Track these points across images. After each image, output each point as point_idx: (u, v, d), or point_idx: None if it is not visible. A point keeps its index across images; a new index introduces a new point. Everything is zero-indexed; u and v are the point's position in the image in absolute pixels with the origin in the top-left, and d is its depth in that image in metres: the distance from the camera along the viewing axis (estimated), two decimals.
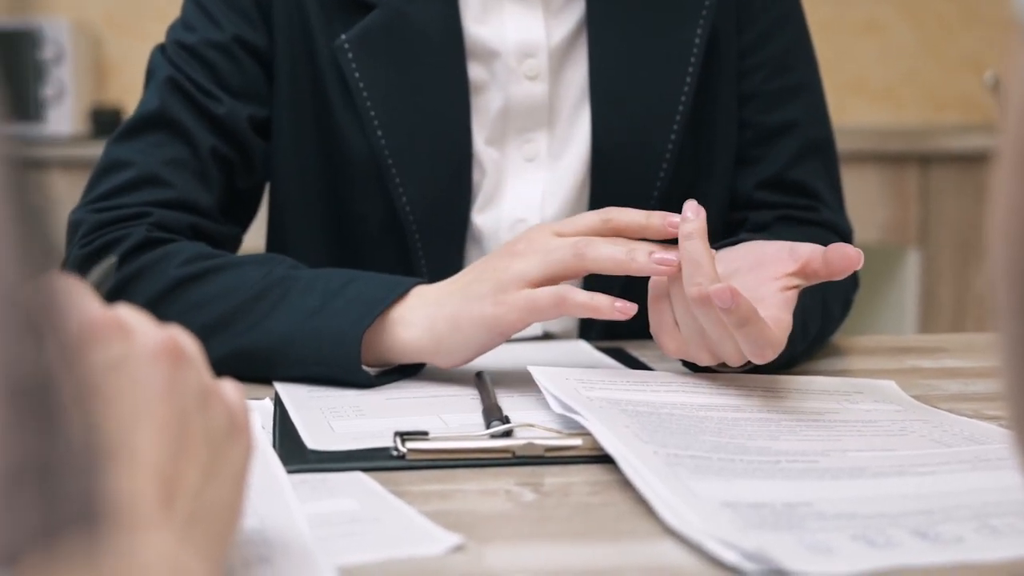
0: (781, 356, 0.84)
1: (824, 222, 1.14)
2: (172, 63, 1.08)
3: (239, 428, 0.51)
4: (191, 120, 1.06)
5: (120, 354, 0.47)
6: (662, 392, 0.84)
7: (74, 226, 1.04)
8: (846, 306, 1.12)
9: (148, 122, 1.06)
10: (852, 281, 1.13)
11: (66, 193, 2.65)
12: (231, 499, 0.50)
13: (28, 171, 0.26)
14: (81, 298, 0.48)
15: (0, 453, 0.23)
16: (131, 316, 0.49)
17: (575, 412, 0.76)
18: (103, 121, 2.78)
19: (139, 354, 0.47)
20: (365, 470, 0.70)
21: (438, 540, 0.59)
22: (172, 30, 1.11)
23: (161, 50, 1.11)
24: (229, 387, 0.53)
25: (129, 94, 2.97)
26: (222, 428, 0.50)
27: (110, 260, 0.57)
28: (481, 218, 1.10)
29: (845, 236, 1.15)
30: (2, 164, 0.25)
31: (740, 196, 1.16)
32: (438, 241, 1.08)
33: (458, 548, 0.58)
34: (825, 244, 1.08)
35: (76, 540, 0.24)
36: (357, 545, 0.58)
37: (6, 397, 0.23)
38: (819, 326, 1.02)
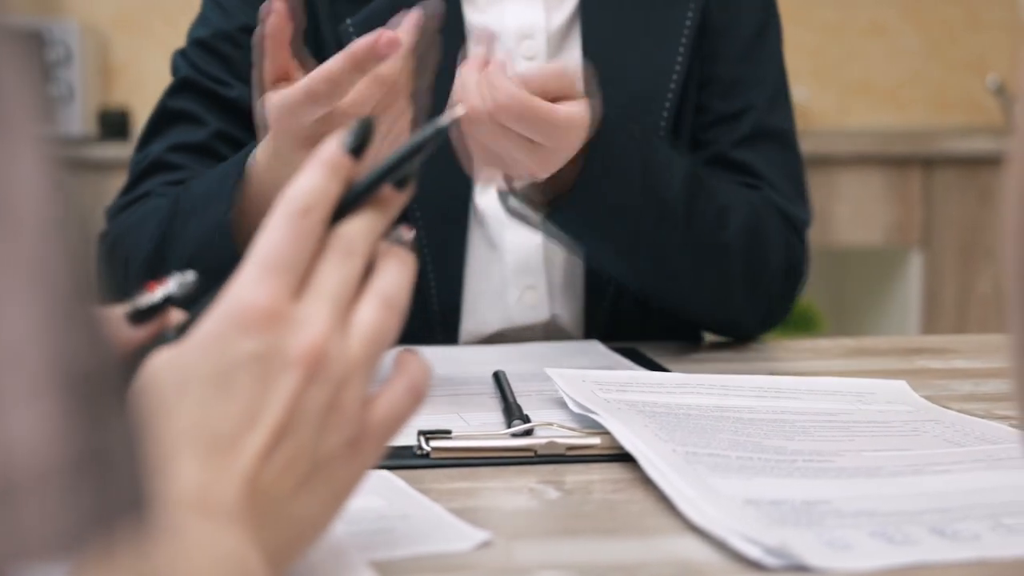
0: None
1: (766, 199, 1.13)
2: (187, 60, 1.14)
3: (357, 452, 0.50)
4: (199, 108, 1.12)
5: (259, 349, 0.47)
6: (677, 394, 0.86)
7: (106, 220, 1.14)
8: (780, 245, 1.11)
9: (158, 120, 1.14)
10: (799, 241, 1.13)
11: None
12: (319, 516, 0.50)
13: (70, 168, 0.28)
14: (250, 276, 0.48)
15: (60, 443, 0.24)
16: (298, 308, 0.48)
17: (594, 413, 0.78)
18: (110, 123, 2.79)
19: (278, 356, 0.47)
20: (390, 468, 0.71)
21: (466, 536, 0.60)
22: (191, 28, 1.16)
23: (181, 52, 1.16)
24: (382, 409, 0.50)
25: (137, 96, 2.98)
26: (335, 449, 0.49)
27: (188, 276, 0.55)
28: (484, 200, 1.12)
29: (794, 222, 1.14)
30: (48, 162, 0.26)
31: None
32: (439, 224, 1.09)
33: (486, 544, 0.59)
34: (763, 214, 1.10)
35: (127, 529, 0.26)
36: (387, 541, 0.59)
37: (65, 387, 0.25)
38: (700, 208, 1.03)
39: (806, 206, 1.17)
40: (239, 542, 0.44)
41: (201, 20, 1.16)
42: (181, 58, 1.15)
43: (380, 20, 1.05)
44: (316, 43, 1.11)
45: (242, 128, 1.11)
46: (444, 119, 0.54)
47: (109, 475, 0.25)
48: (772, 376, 0.92)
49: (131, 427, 0.26)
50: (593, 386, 0.85)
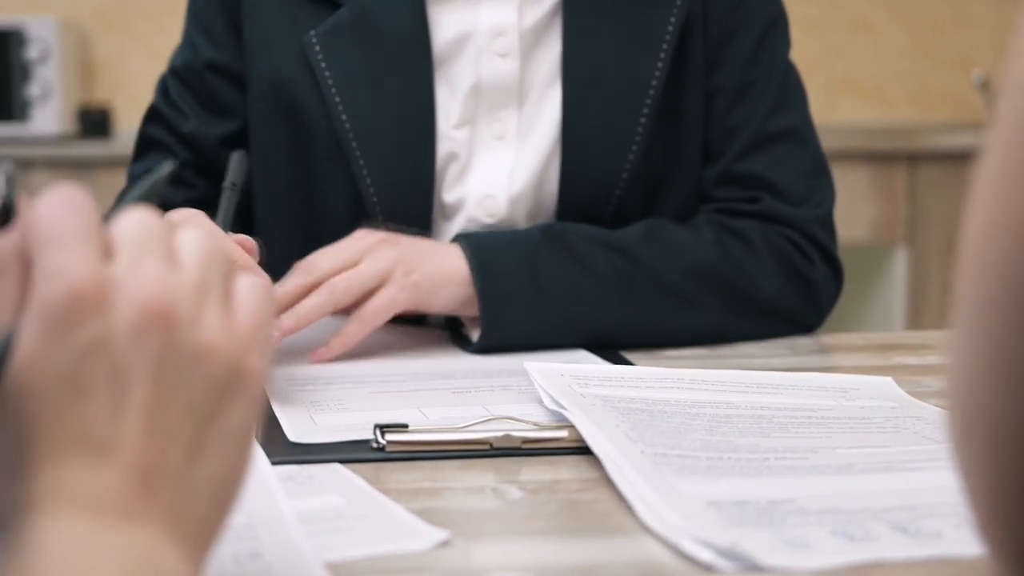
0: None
1: (760, 213, 1.14)
2: (162, 86, 1.22)
3: (237, 384, 0.45)
4: (167, 137, 1.20)
5: (97, 335, 0.42)
6: (657, 389, 0.84)
7: None
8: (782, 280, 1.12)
9: (139, 144, 1.23)
10: (809, 245, 1.14)
11: None
12: (224, 473, 0.45)
13: None
14: (50, 262, 0.42)
15: None
16: (115, 268, 0.43)
17: (565, 409, 0.77)
18: (90, 120, 2.77)
19: (119, 331, 0.42)
20: (344, 462, 0.71)
21: (425, 536, 0.59)
22: (173, 53, 1.23)
23: (162, 76, 1.23)
24: (243, 318, 0.45)
25: (118, 94, 2.96)
26: (212, 390, 0.44)
27: (164, 168, 0.52)
28: (449, 195, 1.13)
29: (799, 226, 1.14)
30: None
31: (702, 190, 1.18)
32: (402, 219, 1.10)
33: (444, 544, 0.58)
34: (738, 244, 1.12)
35: None
36: (345, 541, 0.58)
37: None
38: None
39: (820, 198, 1.17)
40: (143, 536, 0.42)
41: (179, 48, 1.22)
42: (160, 83, 1.23)
43: (343, 30, 1.12)
44: (277, 57, 1.14)
45: (203, 157, 1.19)
46: (163, 168, 0.52)
47: None
48: (755, 371, 0.91)
49: None
50: (571, 380, 0.84)
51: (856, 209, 2.68)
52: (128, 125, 2.93)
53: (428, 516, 0.61)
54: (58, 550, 0.40)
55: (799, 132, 1.17)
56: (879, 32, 3.19)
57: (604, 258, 1.06)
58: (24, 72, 2.69)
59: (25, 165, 2.62)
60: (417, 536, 0.59)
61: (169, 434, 0.43)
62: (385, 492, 0.65)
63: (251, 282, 0.47)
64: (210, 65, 1.18)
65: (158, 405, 0.43)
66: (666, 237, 1.10)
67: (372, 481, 0.67)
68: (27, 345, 0.42)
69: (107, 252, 0.44)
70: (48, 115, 2.70)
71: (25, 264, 0.44)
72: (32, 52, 2.69)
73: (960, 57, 3.20)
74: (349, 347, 0.99)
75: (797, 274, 1.13)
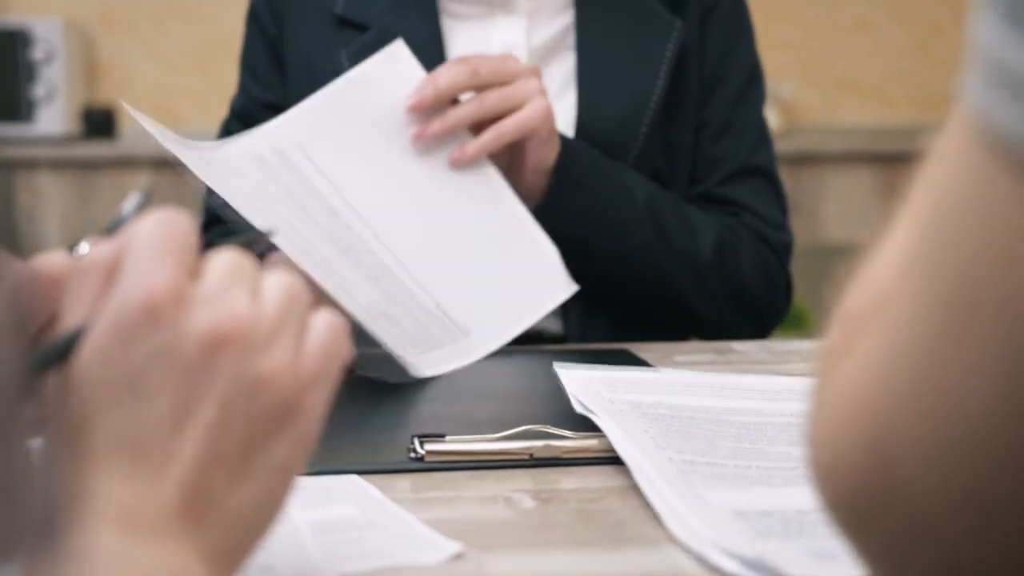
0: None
1: (746, 224, 1.25)
2: (224, 128, 1.33)
3: (292, 418, 0.46)
4: None
5: (164, 343, 0.43)
6: (686, 395, 0.84)
7: None
8: (766, 281, 1.24)
9: None
10: (777, 260, 1.26)
11: (56, 193, 2.64)
12: (262, 502, 0.46)
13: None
14: (137, 267, 0.44)
15: None
16: (199, 287, 0.45)
17: (594, 414, 0.77)
18: (94, 121, 2.77)
19: (187, 344, 0.43)
20: (363, 473, 0.70)
21: (439, 548, 0.59)
22: (232, 98, 1.34)
23: (226, 117, 1.35)
24: (311, 354, 0.47)
25: (121, 94, 2.96)
26: (267, 420, 0.45)
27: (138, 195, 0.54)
28: None
29: (773, 244, 1.26)
30: None
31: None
32: None
33: (458, 556, 0.58)
34: (735, 232, 1.23)
35: (33, 554, 0.25)
36: (358, 553, 0.58)
37: None
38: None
39: (787, 231, 1.29)
40: (176, 557, 0.42)
41: (236, 95, 1.34)
42: (222, 125, 1.33)
43: (368, 52, 1.20)
44: (308, 71, 1.25)
45: None
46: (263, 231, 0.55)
47: (11, 504, 0.24)
48: (784, 376, 0.91)
49: (31, 454, 0.25)
50: (600, 386, 0.84)
51: (859, 210, 2.68)
52: (131, 126, 2.93)
53: (441, 526, 0.61)
54: (87, 564, 0.40)
55: (771, 172, 1.30)
56: (879, 32, 3.19)
57: (643, 191, 1.16)
58: (29, 72, 2.70)
59: (29, 165, 2.62)
60: (431, 548, 0.59)
61: (220, 457, 0.44)
62: (397, 501, 0.65)
63: (326, 322, 0.48)
64: (264, 105, 1.29)
65: (220, 427, 0.44)
66: (690, 216, 1.19)
67: (384, 490, 0.67)
68: (94, 342, 0.43)
69: (195, 275, 0.45)
70: (52, 115, 2.70)
71: (113, 270, 0.45)
72: (37, 53, 2.69)
73: (961, 57, 3.20)
74: (482, 156, 1.08)
75: (771, 280, 1.24)
